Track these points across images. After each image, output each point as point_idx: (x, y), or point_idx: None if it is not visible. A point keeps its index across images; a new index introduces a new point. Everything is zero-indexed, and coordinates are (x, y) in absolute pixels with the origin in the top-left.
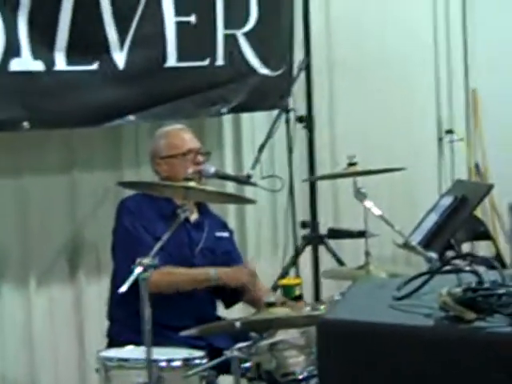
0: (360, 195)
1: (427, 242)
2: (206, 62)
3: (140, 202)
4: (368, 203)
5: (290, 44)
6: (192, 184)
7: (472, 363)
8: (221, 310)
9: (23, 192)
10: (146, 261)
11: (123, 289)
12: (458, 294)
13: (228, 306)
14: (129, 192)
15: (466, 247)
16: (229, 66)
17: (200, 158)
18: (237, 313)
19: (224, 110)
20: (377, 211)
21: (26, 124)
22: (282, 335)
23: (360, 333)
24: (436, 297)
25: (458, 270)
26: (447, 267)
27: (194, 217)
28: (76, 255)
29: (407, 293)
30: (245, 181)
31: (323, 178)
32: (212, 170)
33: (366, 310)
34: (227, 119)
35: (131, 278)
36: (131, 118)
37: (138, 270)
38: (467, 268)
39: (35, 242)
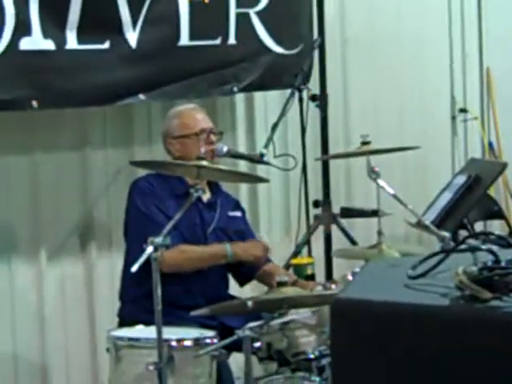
0: (373, 174)
1: (440, 221)
2: (218, 41)
3: (152, 182)
4: (381, 182)
5: (310, 23)
6: (205, 163)
7: (488, 343)
8: (232, 289)
9: (35, 169)
10: (158, 240)
11: (134, 268)
12: (474, 272)
13: (242, 283)
14: (141, 171)
15: (478, 226)
16: (241, 45)
17: (213, 138)
18: (248, 292)
19: (235, 88)
20: (390, 190)
21: (34, 103)
22: (293, 315)
23: (375, 312)
24: (451, 276)
25: (473, 249)
26: (463, 246)
27: (206, 196)
28: (87, 233)
29: (422, 272)
30: (258, 160)
31: (336, 156)
32: (225, 148)
33: (381, 289)
34: (240, 98)
35: (143, 258)
36: (142, 97)
37: (150, 249)
38: (483, 246)
39: (47, 220)
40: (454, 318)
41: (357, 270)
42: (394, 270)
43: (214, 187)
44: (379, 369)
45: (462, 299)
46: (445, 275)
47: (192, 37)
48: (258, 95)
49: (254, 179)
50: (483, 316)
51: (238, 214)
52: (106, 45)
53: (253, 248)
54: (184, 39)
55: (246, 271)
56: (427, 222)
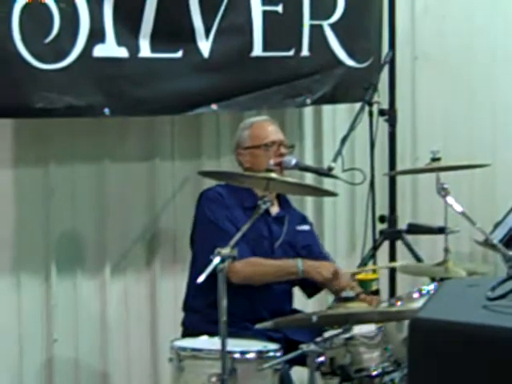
0: (443, 191)
1: (508, 241)
2: (291, 53)
3: (222, 193)
4: (450, 199)
5: (380, 36)
6: (273, 175)
7: None
8: (296, 302)
9: (103, 178)
10: (225, 251)
11: (201, 279)
12: None
13: (310, 295)
14: (208, 182)
15: None
16: (314, 57)
17: (283, 150)
18: (312, 306)
19: (308, 100)
20: (458, 208)
21: (106, 111)
22: (357, 330)
23: (453, 333)
24: None
25: None
26: None
27: (274, 210)
28: (153, 244)
29: (502, 293)
30: (326, 173)
31: (405, 172)
32: (293, 161)
33: (459, 310)
34: (308, 111)
35: (209, 268)
36: (214, 107)
37: (216, 260)
38: None
39: (113, 230)
40: None
41: (423, 287)
42: (472, 291)
43: (282, 201)
44: None
45: None
46: None
47: (265, 48)
48: (327, 108)
49: (322, 192)
50: None
51: (306, 227)
52: (179, 54)
53: (323, 268)
54: (257, 50)
55: (314, 284)
56: (495, 241)
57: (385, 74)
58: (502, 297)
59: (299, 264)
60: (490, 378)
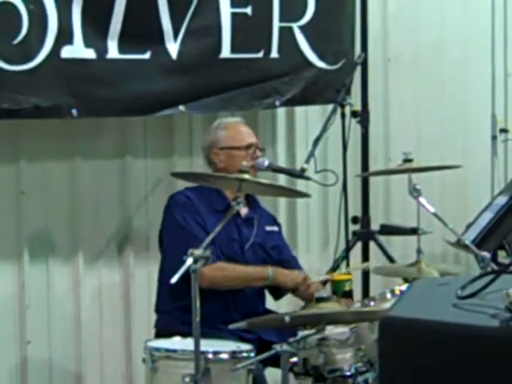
0: (415, 192)
1: (480, 241)
2: (260, 54)
3: (190, 196)
4: (422, 200)
5: (352, 38)
6: (246, 176)
7: None
8: (269, 303)
9: (75, 176)
10: (198, 252)
11: (174, 279)
12: None
13: (277, 297)
14: (181, 183)
15: None
16: (283, 59)
17: (258, 153)
18: (285, 306)
19: (278, 102)
20: (431, 208)
21: (74, 111)
22: (330, 331)
23: (423, 331)
24: (501, 297)
25: None
26: None
27: (243, 211)
28: (125, 241)
29: (472, 292)
30: (299, 174)
31: (378, 173)
32: (266, 163)
33: (429, 309)
34: (281, 112)
35: (182, 269)
36: (181, 108)
37: (189, 260)
38: None
39: (85, 227)
40: (504, 339)
41: (396, 287)
42: (442, 290)
43: (251, 202)
44: None
45: None
46: (494, 296)
47: (234, 49)
48: (299, 110)
49: (294, 193)
50: None
51: (275, 228)
52: (147, 55)
53: (293, 275)
54: (226, 51)
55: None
56: (467, 242)
57: (357, 76)
58: (472, 295)
59: (269, 271)
60: (459, 376)
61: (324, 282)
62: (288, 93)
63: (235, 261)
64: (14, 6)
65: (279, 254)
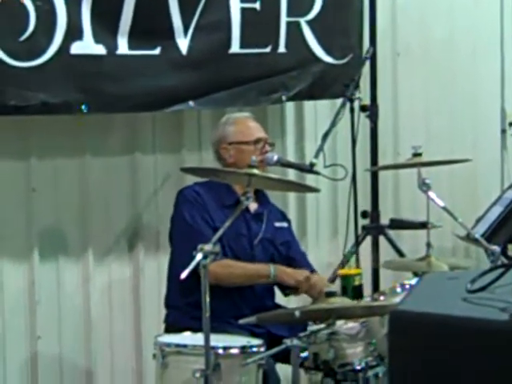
0: (424, 186)
1: (490, 235)
2: (268, 49)
3: (199, 192)
4: (432, 194)
5: (360, 33)
6: (256, 171)
7: None
8: (279, 299)
9: (84, 172)
10: (207, 247)
11: (183, 275)
12: None
13: (286, 294)
14: (190, 177)
15: None
16: (291, 54)
17: (268, 148)
18: (295, 302)
19: (284, 97)
20: (440, 202)
21: (83, 107)
22: (340, 325)
23: (433, 325)
24: (510, 291)
25: None
26: None
27: (253, 206)
28: (135, 237)
29: (482, 286)
30: (308, 169)
31: (387, 167)
32: (275, 157)
33: (439, 303)
34: (289, 107)
35: (192, 265)
36: (191, 103)
37: (199, 256)
38: None
39: (95, 223)
40: None
41: (406, 281)
42: (453, 284)
43: (261, 197)
44: (436, 382)
45: None
46: (504, 290)
47: (243, 44)
48: (308, 104)
49: (304, 188)
50: None
51: (285, 224)
52: (157, 51)
53: (296, 273)
54: (235, 47)
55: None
56: (477, 236)
57: (366, 70)
58: (482, 289)
59: (271, 269)
60: (469, 370)
61: (334, 277)
62: (295, 88)
63: (243, 256)
64: (20, 3)
65: (288, 250)
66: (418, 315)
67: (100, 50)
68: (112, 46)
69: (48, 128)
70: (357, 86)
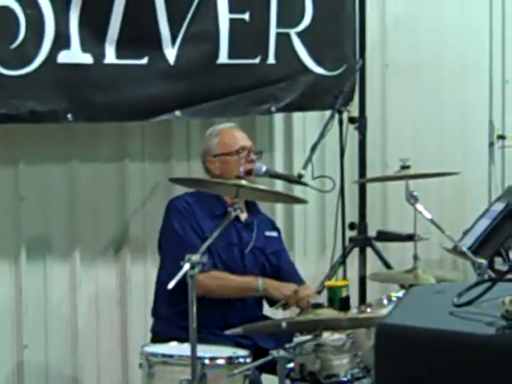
0: (412, 199)
1: (477, 248)
2: (257, 60)
3: (190, 202)
4: (419, 207)
5: (353, 45)
6: (244, 182)
7: None
8: (266, 310)
9: (73, 179)
10: (195, 258)
11: (171, 285)
12: None
13: (272, 304)
14: (178, 187)
15: None
16: (280, 65)
17: (253, 156)
18: (282, 313)
19: (274, 108)
20: (428, 215)
21: (69, 116)
22: (327, 337)
23: (420, 339)
24: (498, 305)
25: None
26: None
27: (243, 216)
28: (122, 245)
29: (468, 300)
30: (296, 180)
31: (375, 180)
32: (263, 168)
33: (426, 316)
34: (278, 118)
35: (179, 275)
36: (178, 113)
37: (186, 266)
38: None
39: (82, 231)
40: (500, 347)
41: (392, 294)
42: (439, 297)
43: (251, 207)
44: None
45: (508, 329)
46: (490, 304)
47: (231, 55)
48: (297, 116)
49: (292, 200)
50: None
51: (275, 234)
52: (145, 60)
53: (284, 288)
54: (223, 57)
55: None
56: (464, 248)
57: (355, 82)
58: (469, 303)
59: (260, 283)
60: (456, 383)
61: (321, 289)
62: (285, 99)
63: (234, 266)
64: (11, 11)
65: (278, 259)
66: (405, 329)
67: (87, 59)
68: (99, 55)
69: (36, 135)
70: (350, 98)
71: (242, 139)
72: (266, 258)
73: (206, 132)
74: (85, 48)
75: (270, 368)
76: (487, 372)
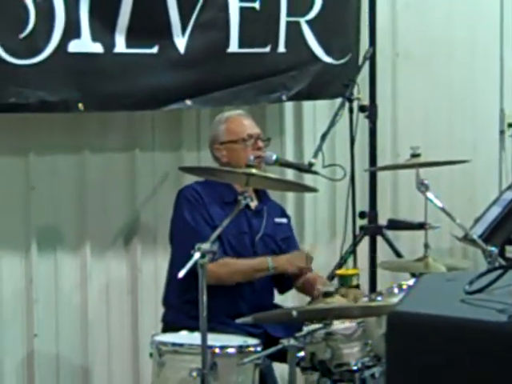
0: (422, 187)
1: (488, 236)
2: (268, 49)
3: (199, 191)
4: (430, 195)
5: (357, 33)
6: (254, 171)
7: None
8: (277, 298)
9: (83, 169)
10: (205, 246)
11: (181, 274)
12: None
13: (282, 291)
14: (188, 176)
15: None
16: (290, 54)
17: (260, 144)
18: (291, 301)
19: (284, 97)
20: (439, 203)
21: (80, 106)
22: (337, 325)
23: (431, 326)
24: (508, 292)
25: None
26: None
27: (253, 204)
28: (133, 235)
29: (480, 287)
30: (307, 169)
31: (385, 168)
32: (273, 157)
33: (437, 304)
34: (288, 107)
35: (189, 264)
36: (188, 102)
37: (197, 255)
38: None
39: (93, 220)
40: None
41: (403, 282)
42: (450, 285)
43: (261, 194)
44: (434, 383)
45: None
46: (502, 291)
47: (241, 44)
48: (307, 104)
49: (302, 188)
50: None
51: (284, 220)
52: (155, 49)
53: (295, 259)
54: (233, 46)
55: (286, 280)
56: (475, 236)
57: (365, 71)
58: (480, 291)
59: (269, 261)
60: (467, 371)
61: (331, 277)
62: (294, 87)
63: (245, 253)
64: (20, 0)
65: (288, 246)
66: (416, 316)
67: (97, 48)
68: (109, 45)
69: (47, 125)
70: (353, 86)
71: (249, 127)
72: (277, 245)
73: (215, 119)
74: (95, 37)
75: (281, 356)
76: (499, 359)
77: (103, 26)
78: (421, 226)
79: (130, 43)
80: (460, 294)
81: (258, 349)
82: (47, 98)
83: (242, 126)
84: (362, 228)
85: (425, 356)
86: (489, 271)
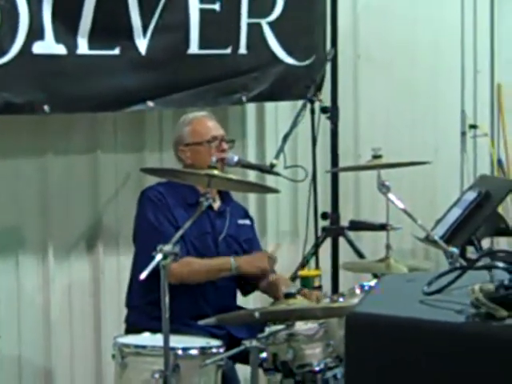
0: (383, 188)
1: (449, 237)
2: (229, 50)
3: (162, 192)
4: (391, 196)
5: (324, 34)
6: (216, 172)
7: (503, 361)
8: (240, 300)
9: (45, 171)
10: (167, 248)
11: (143, 276)
12: (490, 290)
13: (245, 293)
14: (151, 177)
15: (485, 243)
16: (251, 55)
17: (224, 146)
18: (254, 303)
19: (244, 98)
20: (400, 204)
21: (46, 107)
22: (299, 326)
23: (389, 327)
24: (467, 293)
25: (491, 267)
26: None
27: (216, 205)
28: (95, 237)
29: (438, 288)
30: (268, 170)
31: (347, 169)
32: (235, 158)
33: (396, 305)
34: (251, 108)
35: (151, 265)
36: (150, 104)
37: (159, 256)
38: (501, 265)
39: (55, 223)
40: (469, 335)
41: (365, 283)
42: (410, 286)
43: (224, 195)
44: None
45: (478, 317)
46: (460, 292)
47: (202, 45)
48: (269, 105)
49: (264, 189)
50: (498, 334)
51: (248, 222)
52: (117, 51)
53: (258, 260)
54: (194, 47)
55: (249, 282)
56: (436, 237)
57: (327, 72)
58: (438, 291)
59: (232, 261)
60: (424, 372)
61: (294, 278)
62: (256, 89)
63: (208, 254)
64: None
65: (250, 247)
66: (375, 317)
67: (61, 49)
68: (72, 46)
69: (9, 127)
70: (319, 88)
71: (213, 128)
72: (240, 246)
73: (179, 120)
74: (58, 39)
75: (243, 358)
76: (456, 360)
77: (66, 27)
78: (382, 227)
79: (92, 45)
80: (419, 294)
81: (221, 350)
82: (13, 99)
83: (206, 128)
84: (324, 229)
85: (382, 356)
86: (448, 272)
